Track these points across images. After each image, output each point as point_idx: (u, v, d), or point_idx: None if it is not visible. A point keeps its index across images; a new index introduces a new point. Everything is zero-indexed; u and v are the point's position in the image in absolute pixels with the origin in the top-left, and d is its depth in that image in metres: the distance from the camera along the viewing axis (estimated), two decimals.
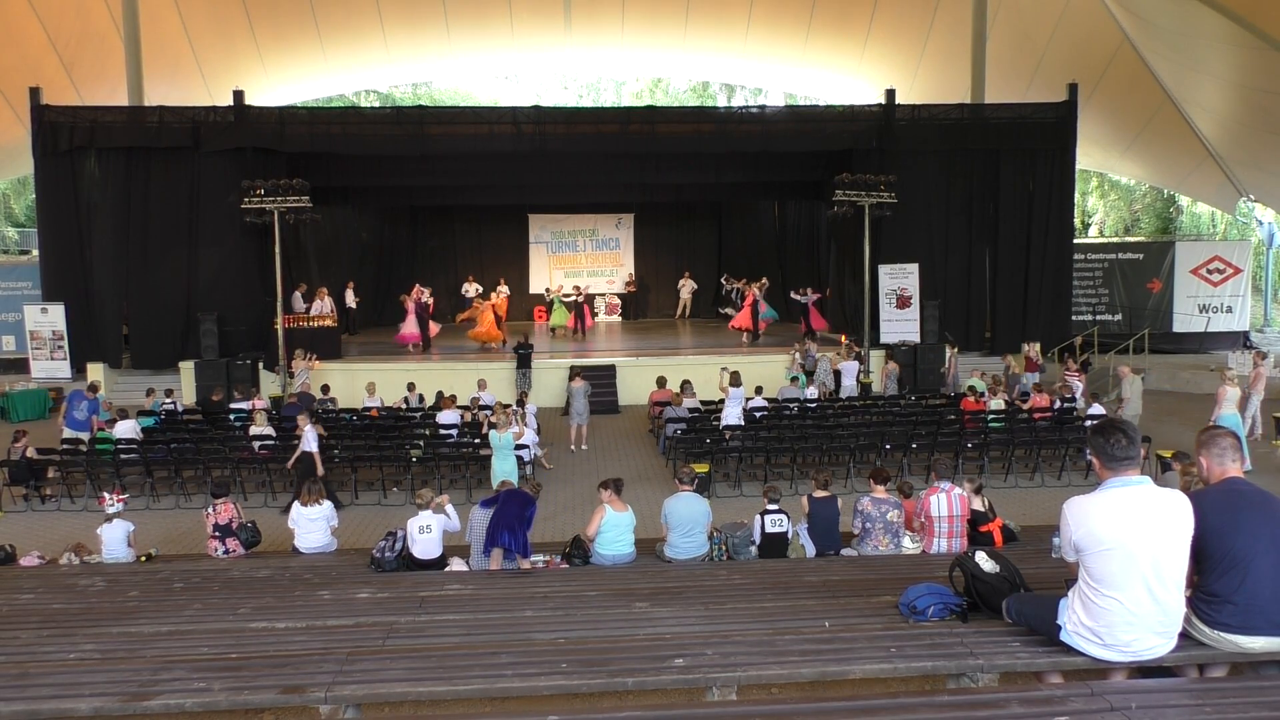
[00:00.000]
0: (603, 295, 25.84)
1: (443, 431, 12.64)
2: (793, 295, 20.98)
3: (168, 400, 14.70)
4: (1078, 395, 13.94)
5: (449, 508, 7.85)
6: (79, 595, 6.35)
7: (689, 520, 7.33)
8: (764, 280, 21.56)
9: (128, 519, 8.55)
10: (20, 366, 18.80)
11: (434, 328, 19.97)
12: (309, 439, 10.59)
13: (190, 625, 5.12)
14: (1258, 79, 16.58)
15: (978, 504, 7.80)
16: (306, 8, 23.53)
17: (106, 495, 8.77)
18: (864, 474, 9.67)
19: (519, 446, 11.05)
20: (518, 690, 3.58)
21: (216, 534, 8.32)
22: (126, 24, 18.80)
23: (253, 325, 17.80)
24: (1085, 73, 20.00)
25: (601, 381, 16.47)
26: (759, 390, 14.38)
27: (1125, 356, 18.54)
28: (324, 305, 19.30)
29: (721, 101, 34.33)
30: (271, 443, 12.03)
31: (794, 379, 15.62)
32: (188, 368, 17.13)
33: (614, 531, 7.26)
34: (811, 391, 15.05)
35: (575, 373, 14.74)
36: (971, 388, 14.53)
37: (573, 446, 13.86)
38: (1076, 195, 22.45)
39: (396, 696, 3.66)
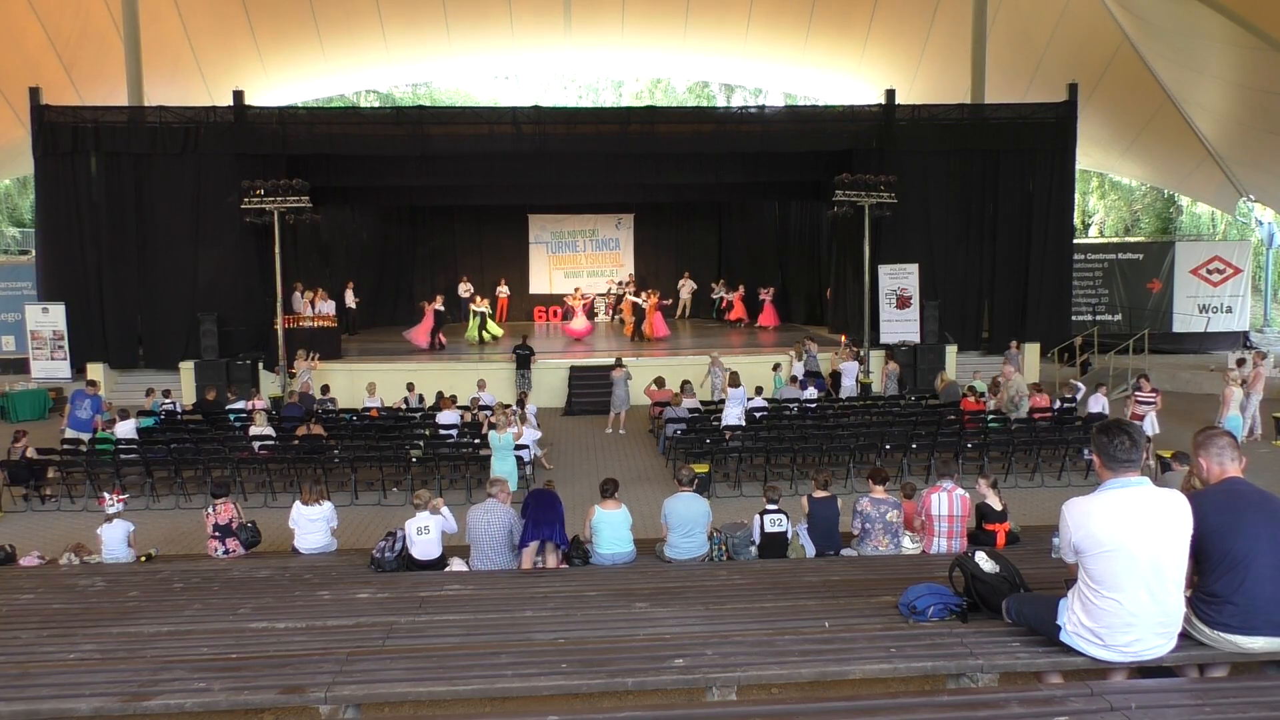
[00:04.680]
0: (603, 296, 25.85)
1: (442, 432, 12.65)
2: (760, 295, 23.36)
3: (166, 400, 14.70)
4: (1151, 421, 12.52)
5: (444, 509, 7.85)
6: (79, 595, 6.35)
7: (689, 520, 7.33)
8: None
9: (128, 519, 8.55)
10: (20, 366, 18.81)
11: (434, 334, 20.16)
12: None
13: (190, 625, 5.12)
14: (1258, 79, 16.57)
15: (993, 500, 7.80)
16: (306, 8, 23.53)
17: (106, 495, 8.77)
18: (864, 474, 9.66)
19: (519, 447, 11.06)
20: (518, 690, 3.58)
21: (216, 534, 8.32)
22: (126, 24, 18.80)
23: (253, 325, 17.81)
24: (1085, 73, 20.01)
25: (601, 381, 16.47)
26: (759, 390, 14.39)
27: (1125, 357, 18.57)
28: (325, 305, 19.31)
29: (721, 102, 34.32)
30: (271, 443, 12.03)
31: (793, 378, 15.60)
32: (188, 368, 17.14)
33: (609, 530, 7.26)
34: (811, 392, 15.05)
35: (618, 362, 15.73)
36: (971, 388, 14.53)
37: (609, 429, 15.16)
38: (1076, 195, 22.47)
39: (396, 696, 3.66)
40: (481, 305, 21.27)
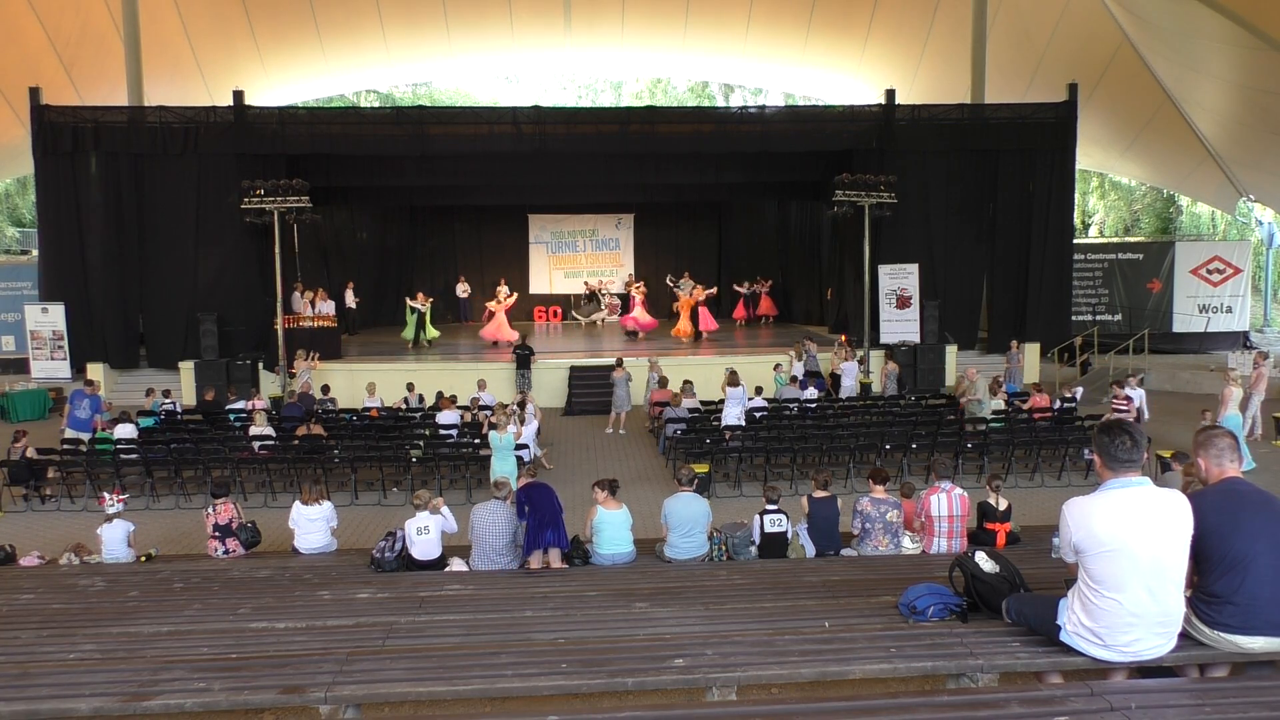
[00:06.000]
0: (604, 295, 25.84)
1: (442, 432, 12.65)
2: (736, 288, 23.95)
3: (166, 401, 14.70)
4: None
5: (445, 509, 7.85)
6: (79, 595, 6.35)
7: (689, 520, 7.33)
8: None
9: (128, 519, 8.55)
10: (20, 366, 18.81)
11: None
12: None
13: (190, 625, 5.11)
14: (1258, 79, 16.58)
15: (992, 500, 7.81)
16: (306, 8, 23.54)
17: (106, 495, 8.77)
18: (864, 474, 9.66)
19: (519, 447, 11.05)
20: (518, 690, 3.57)
21: (216, 534, 8.31)
22: (126, 24, 18.81)
23: (253, 325, 17.82)
24: (1085, 73, 20.01)
25: (601, 381, 16.48)
26: (759, 390, 14.38)
27: (1125, 357, 18.57)
28: (325, 306, 19.31)
29: (721, 102, 34.34)
30: (271, 443, 12.03)
31: (793, 378, 15.60)
32: (188, 368, 17.15)
33: (610, 530, 7.26)
34: (811, 392, 15.04)
35: (618, 363, 15.72)
36: None
37: (609, 429, 15.09)
38: (1076, 195, 22.49)
39: (396, 696, 3.66)
40: (421, 303, 20.28)
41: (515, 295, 21.35)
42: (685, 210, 26.72)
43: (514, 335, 19.55)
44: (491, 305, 20.53)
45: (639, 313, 21.13)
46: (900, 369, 16.97)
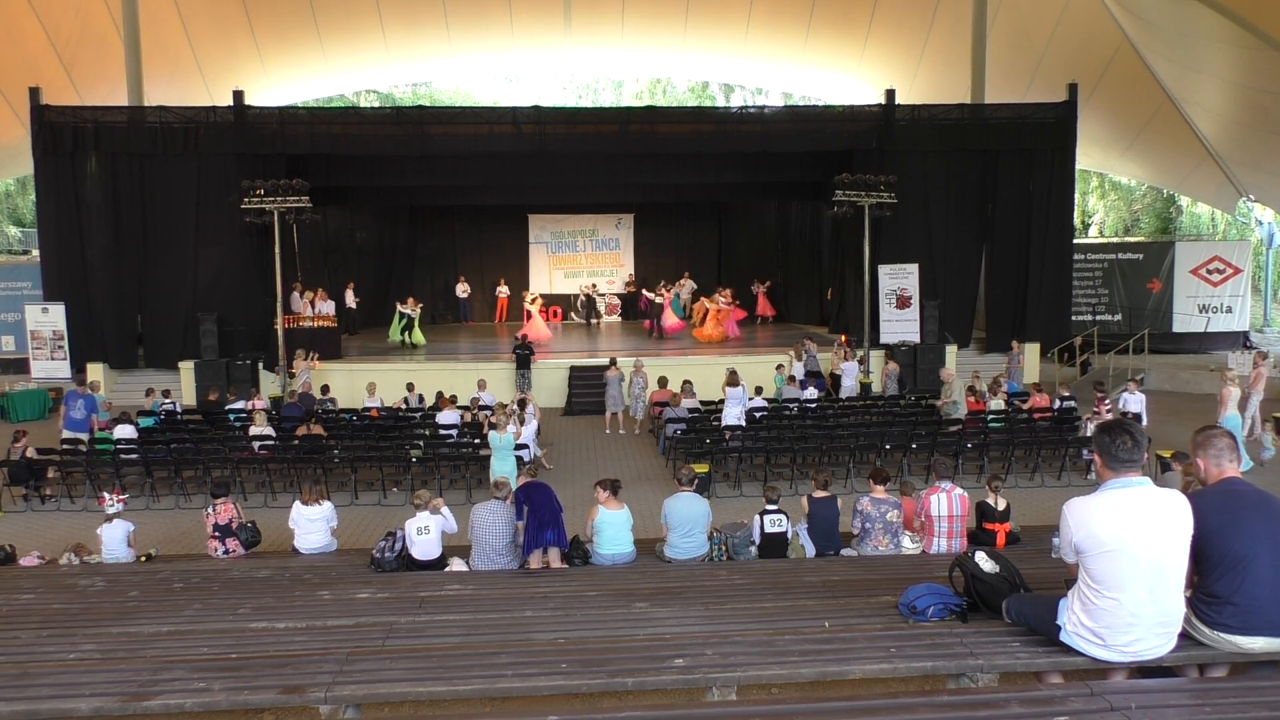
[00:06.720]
0: (603, 296, 25.88)
1: (442, 432, 12.65)
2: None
3: (166, 401, 14.70)
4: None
5: (445, 509, 7.86)
6: (79, 595, 6.35)
7: (689, 520, 7.33)
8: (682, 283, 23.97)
9: (128, 519, 8.55)
10: (20, 366, 18.81)
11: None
12: None
13: (190, 625, 5.12)
14: (1258, 79, 16.58)
15: (991, 500, 7.81)
16: (306, 8, 23.53)
17: (106, 495, 8.77)
18: (864, 474, 9.66)
19: (519, 447, 11.06)
20: (518, 690, 3.58)
21: (216, 534, 8.31)
22: (126, 24, 18.81)
23: (253, 325, 17.82)
24: (1085, 73, 20.01)
25: (601, 381, 16.48)
26: (759, 390, 14.39)
27: (1125, 357, 18.57)
28: (325, 306, 19.31)
29: (721, 102, 34.34)
30: (271, 443, 12.03)
31: (791, 378, 15.60)
32: (188, 368, 17.15)
33: (611, 530, 7.26)
34: (811, 392, 15.04)
35: (612, 362, 15.67)
36: (971, 388, 14.53)
37: (607, 429, 15.08)
38: (1076, 195, 22.48)
39: (396, 696, 3.66)
40: (411, 308, 20.07)
41: (539, 296, 22.19)
42: (685, 210, 26.71)
43: (549, 334, 20.01)
44: (528, 306, 21.10)
45: (668, 316, 21.20)
46: (900, 369, 16.98)
